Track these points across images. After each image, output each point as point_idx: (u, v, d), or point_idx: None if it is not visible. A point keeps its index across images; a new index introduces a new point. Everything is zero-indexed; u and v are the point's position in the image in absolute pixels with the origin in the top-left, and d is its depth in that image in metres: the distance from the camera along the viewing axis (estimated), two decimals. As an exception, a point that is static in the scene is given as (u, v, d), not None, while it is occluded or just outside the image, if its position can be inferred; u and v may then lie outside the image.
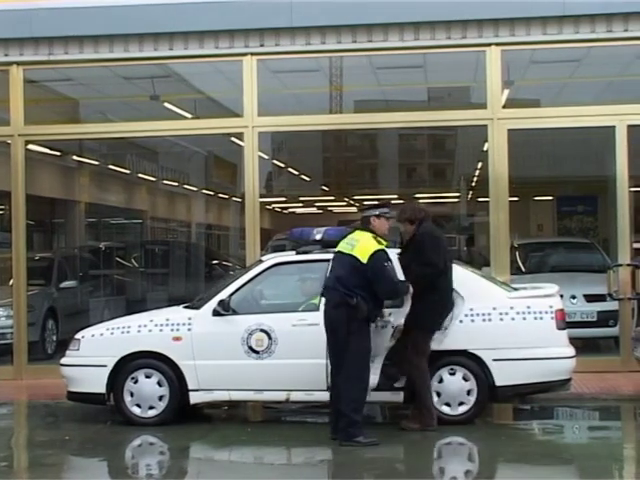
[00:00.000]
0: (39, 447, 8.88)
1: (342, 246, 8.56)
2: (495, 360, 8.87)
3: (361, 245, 8.43)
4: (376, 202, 8.91)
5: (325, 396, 8.74)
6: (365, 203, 27.11)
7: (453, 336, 8.91)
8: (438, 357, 8.90)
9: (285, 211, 26.57)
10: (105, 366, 9.20)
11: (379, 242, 8.50)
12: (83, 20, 11.89)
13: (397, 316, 8.74)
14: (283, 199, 24.63)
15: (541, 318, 8.99)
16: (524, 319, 8.98)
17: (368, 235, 8.52)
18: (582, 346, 11.23)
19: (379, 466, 7.86)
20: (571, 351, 9.12)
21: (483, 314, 8.95)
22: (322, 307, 8.63)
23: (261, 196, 12.29)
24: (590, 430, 9.80)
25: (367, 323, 8.39)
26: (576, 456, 8.28)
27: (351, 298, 8.23)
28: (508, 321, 8.96)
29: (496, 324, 8.95)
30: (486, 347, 8.89)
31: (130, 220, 21.22)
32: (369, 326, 8.43)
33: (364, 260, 8.34)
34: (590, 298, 12.64)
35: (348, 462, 7.91)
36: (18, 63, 12.28)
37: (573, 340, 9.36)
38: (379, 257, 8.37)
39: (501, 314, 8.96)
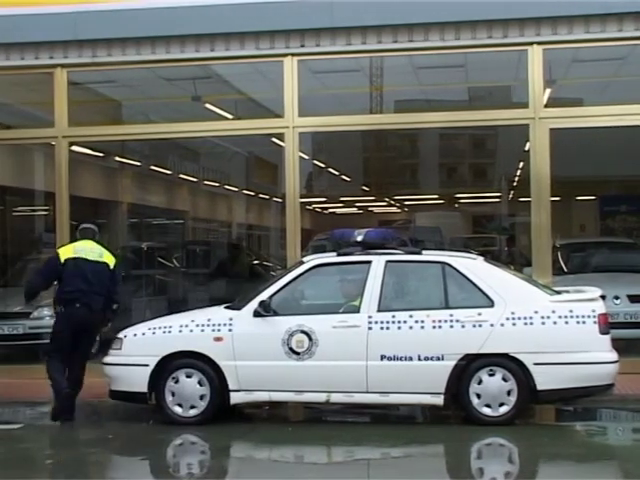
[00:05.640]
0: (83, 445, 8.99)
1: (89, 254, 9.64)
2: (536, 364, 8.79)
3: (107, 254, 9.73)
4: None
5: (365, 398, 8.74)
6: (406, 203, 27.07)
7: (494, 339, 8.86)
8: (477, 359, 8.87)
9: (325, 211, 26.60)
10: (147, 365, 9.25)
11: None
12: (126, 22, 11.98)
13: None
14: (323, 199, 24.66)
15: (584, 322, 8.89)
16: (566, 323, 8.87)
17: (101, 246, 9.82)
18: (626, 347, 11.11)
19: (418, 464, 7.84)
20: (614, 356, 9.00)
21: (525, 318, 8.87)
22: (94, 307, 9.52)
23: (301, 196, 12.29)
24: (634, 432, 9.71)
25: None
26: (619, 458, 8.20)
27: (114, 303, 9.59)
28: (550, 325, 8.86)
29: (538, 328, 8.86)
30: (527, 351, 8.81)
31: (172, 220, 21.36)
32: None
33: (112, 266, 9.67)
34: (634, 298, 12.50)
35: (384, 460, 7.90)
36: (62, 65, 12.40)
37: (616, 341, 9.28)
38: (119, 265, 9.82)
39: (543, 318, 8.87)
